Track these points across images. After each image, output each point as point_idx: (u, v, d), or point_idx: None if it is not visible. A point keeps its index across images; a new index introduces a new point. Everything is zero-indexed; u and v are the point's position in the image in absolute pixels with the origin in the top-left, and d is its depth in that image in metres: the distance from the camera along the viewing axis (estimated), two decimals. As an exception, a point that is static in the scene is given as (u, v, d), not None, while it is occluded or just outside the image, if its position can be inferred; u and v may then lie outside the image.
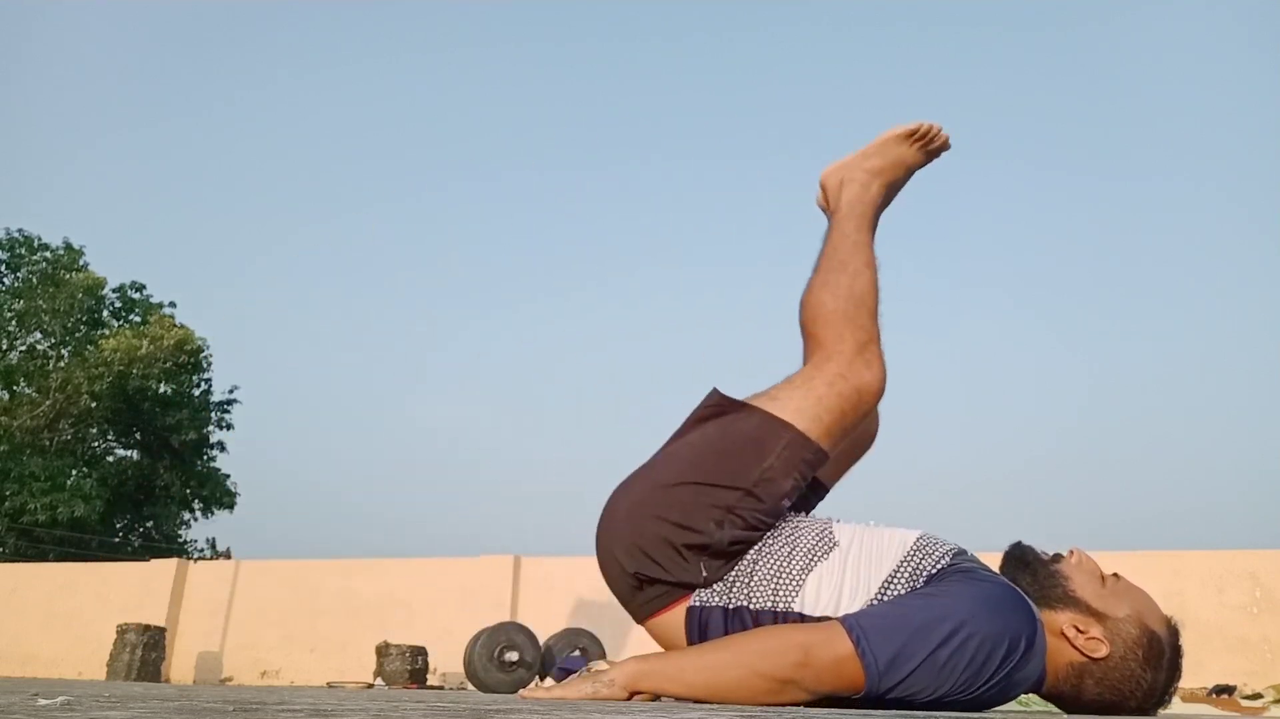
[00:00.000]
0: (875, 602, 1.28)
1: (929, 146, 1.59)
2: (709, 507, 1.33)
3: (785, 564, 1.33)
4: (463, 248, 36.09)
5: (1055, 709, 1.38)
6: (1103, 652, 1.30)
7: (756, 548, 1.35)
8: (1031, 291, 34.18)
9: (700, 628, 1.33)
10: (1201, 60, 32.87)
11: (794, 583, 1.31)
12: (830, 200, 1.58)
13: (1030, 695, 1.36)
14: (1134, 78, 32.81)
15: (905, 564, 1.31)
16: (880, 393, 1.41)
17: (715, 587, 1.33)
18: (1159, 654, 1.33)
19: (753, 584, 1.32)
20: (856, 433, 1.49)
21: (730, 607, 1.31)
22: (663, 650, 1.37)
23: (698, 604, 1.33)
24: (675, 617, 1.35)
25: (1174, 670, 1.34)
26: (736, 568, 1.33)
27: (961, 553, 1.35)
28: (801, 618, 1.29)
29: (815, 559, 1.33)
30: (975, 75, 33.84)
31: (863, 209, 1.54)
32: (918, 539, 1.35)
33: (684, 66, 35.69)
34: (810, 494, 1.53)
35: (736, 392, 1.46)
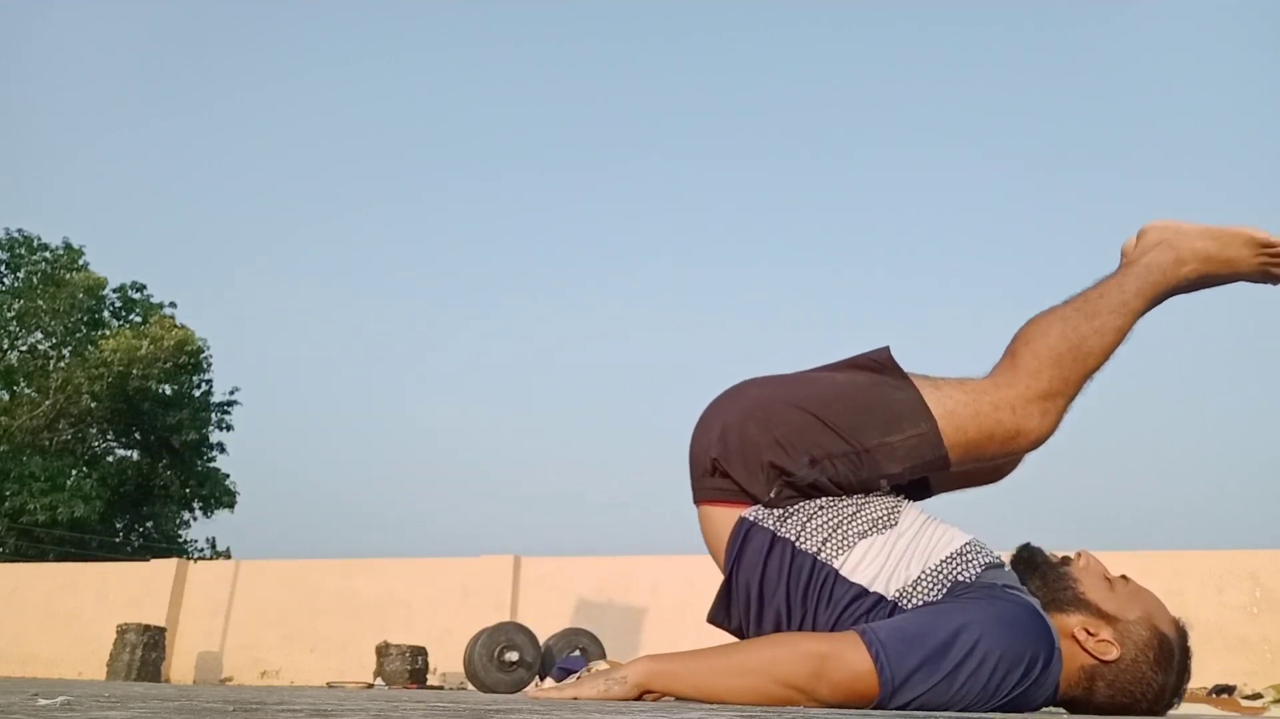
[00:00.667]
0: (905, 590, 1.27)
1: (1272, 267, 1.45)
2: (814, 443, 1.33)
3: (846, 522, 1.33)
4: (462, 248, 36.11)
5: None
6: (1114, 654, 1.30)
7: (830, 498, 1.35)
8: (1029, 290, 34.21)
9: (743, 540, 1.34)
10: (1201, 60, 32.89)
11: (846, 543, 1.31)
12: (1137, 250, 1.47)
13: None
14: (1134, 77, 32.82)
15: (945, 565, 1.30)
16: (1036, 445, 1.37)
17: (775, 510, 1.34)
18: (1169, 656, 1.32)
19: (808, 525, 1.32)
20: (990, 465, 1.45)
21: (778, 534, 1.32)
22: (673, 652, 1.36)
23: (751, 518, 1.34)
24: (726, 517, 1.37)
25: (1184, 672, 1.34)
26: (801, 504, 1.34)
27: (997, 566, 1.34)
28: (837, 577, 1.29)
29: (873, 530, 1.32)
30: (975, 75, 33.85)
31: (1158, 278, 1.42)
32: (964, 544, 1.34)
33: (683, 67, 35.70)
34: (911, 489, 1.49)
35: None
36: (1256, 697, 6.31)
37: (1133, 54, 32.11)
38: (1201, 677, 6.97)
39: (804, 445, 1.33)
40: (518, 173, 35.73)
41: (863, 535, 1.32)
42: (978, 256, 34.90)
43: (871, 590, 1.27)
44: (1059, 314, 1.40)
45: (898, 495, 1.41)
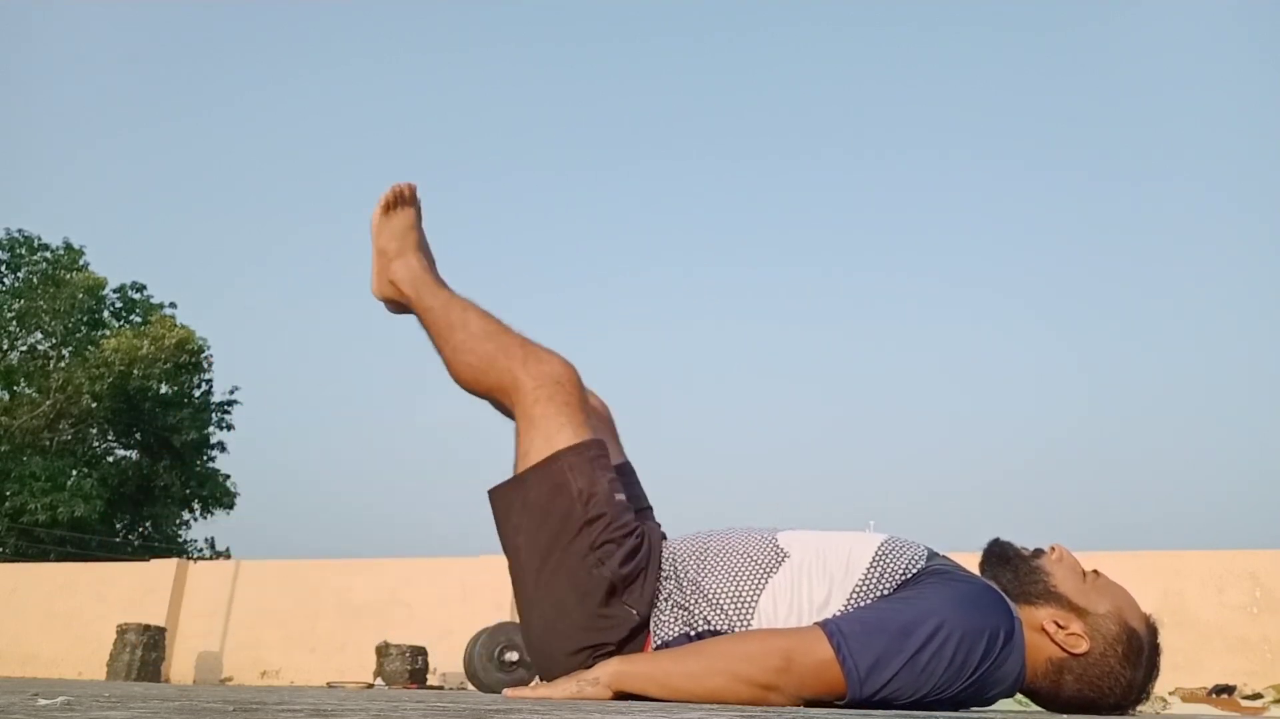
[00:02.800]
0: (846, 609, 1.27)
1: (406, 202, 1.65)
2: (579, 563, 1.33)
3: (731, 585, 1.32)
4: (462, 247, 36.05)
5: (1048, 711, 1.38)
6: (1083, 648, 1.30)
7: (676, 571, 1.35)
8: (1031, 293, 34.18)
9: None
10: (1201, 59, 32.87)
11: (746, 604, 1.30)
12: (400, 300, 1.62)
13: (1020, 696, 1.36)
14: (1133, 77, 32.80)
15: (873, 569, 1.30)
16: (570, 369, 1.44)
17: (672, 614, 1.32)
18: (1138, 651, 1.32)
19: (709, 606, 1.31)
20: (593, 412, 1.51)
21: (694, 633, 1.31)
22: (643, 653, 1.36)
23: (661, 639, 1.32)
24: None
25: (1152, 668, 1.34)
26: (673, 599, 1.33)
27: (934, 555, 1.35)
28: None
29: (765, 576, 1.32)
30: (975, 75, 33.83)
31: (422, 281, 1.59)
32: (882, 545, 1.34)
33: (683, 67, 35.69)
34: (622, 475, 1.51)
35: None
36: (1256, 697, 6.31)
37: (1132, 54, 32.09)
38: (1201, 677, 6.97)
39: (581, 574, 1.33)
40: (518, 173, 35.75)
41: (759, 588, 1.31)
42: (977, 257, 34.89)
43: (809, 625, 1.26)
44: (450, 360, 1.52)
45: (750, 529, 1.42)
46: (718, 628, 1.30)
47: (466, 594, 9.46)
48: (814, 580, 1.31)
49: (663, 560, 1.38)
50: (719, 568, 1.34)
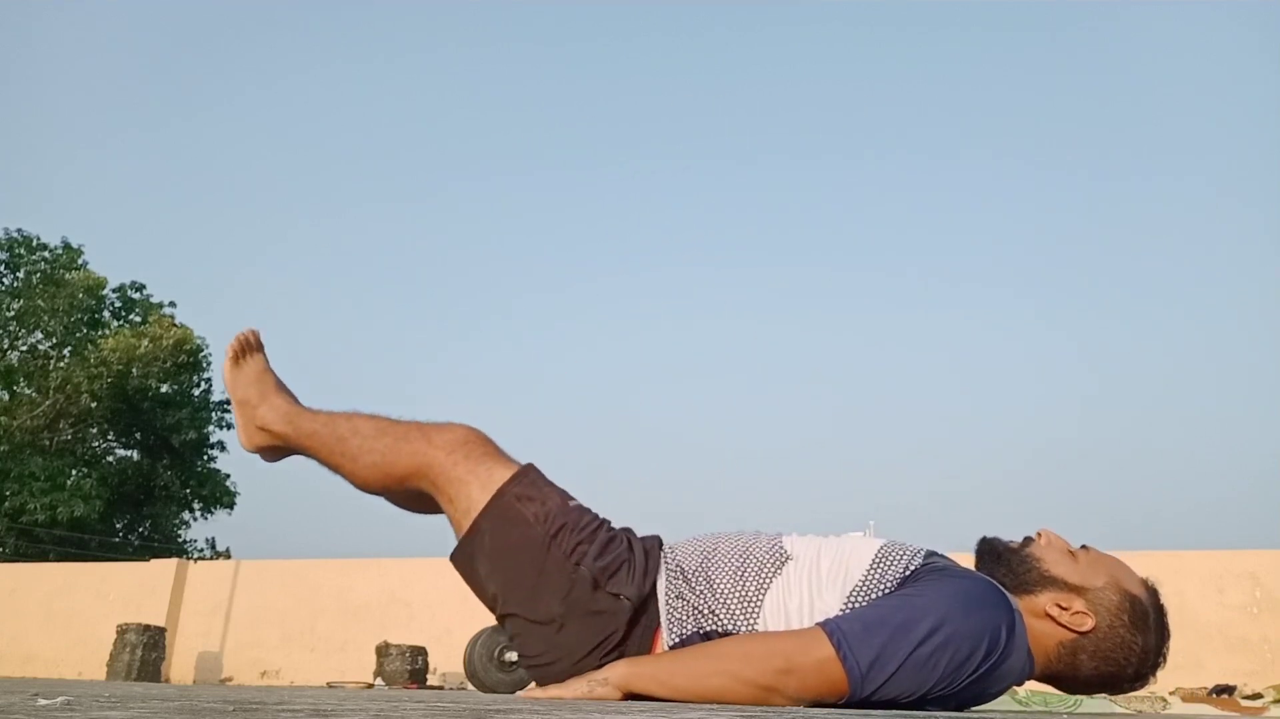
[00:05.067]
0: (846, 608, 1.28)
1: (252, 349, 1.70)
2: (561, 576, 1.35)
3: (737, 586, 1.33)
4: (462, 247, 36.11)
5: (1051, 708, 1.38)
6: (1089, 624, 1.31)
7: (701, 564, 1.36)
8: (1031, 291, 34.18)
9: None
10: (1200, 58, 32.87)
11: (752, 604, 1.31)
12: (278, 443, 1.61)
13: (1026, 693, 1.36)
14: (1133, 76, 32.79)
15: (872, 571, 1.30)
16: (476, 430, 1.48)
17: (682, 612, 1.33)
18: (1144, 616, 1.33)
19: (718, 604, 1.32)
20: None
21: (703, 630, 1.32)
22: (651, 654, 1.37)
23: (671, 642, 1.33)
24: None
25: (1162, 629, 1.34)
26: (680, 599, 1.33)
27: (932, 554, 1.35)
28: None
29: (769, 577, 1.33)
30: (975, 75, 33.82)
31: (286, 416, 1.58)
32: (881, 548, 1.34)
33: (682, 67, 35.67)
34: None
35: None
36: (1256, 697, 6.31)
37: (1133, 54, 32.09)
38: (1201, 677, 6.97)
39: (564, 580, 1.34)
40: (518, 172, 35.75)
41: (763, 589, 1.32)
42: (977, 255, 34.88)
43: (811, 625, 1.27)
44: (350, 475, 1.54)
45: (759, 533, 1.44)
46: (725, 626, 1.31)
47: (466, 594, 9.27)
48: (815, 581, 1.32)
49: (664, 556, 1.39)
50: (726, 568, 1.35)
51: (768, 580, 1.33)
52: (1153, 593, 1.36)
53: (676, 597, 1.34)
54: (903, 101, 34.08)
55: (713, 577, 1.34)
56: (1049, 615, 1.32)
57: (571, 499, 1.42)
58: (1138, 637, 1.32)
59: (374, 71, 35.48)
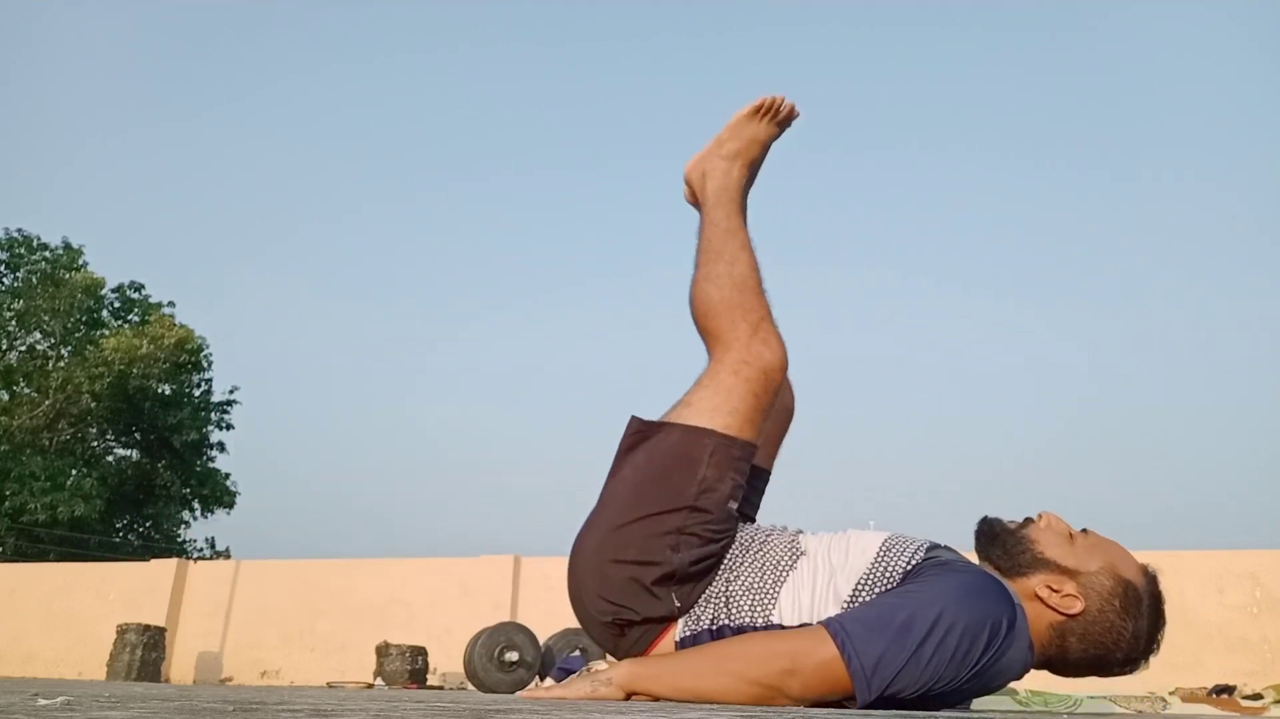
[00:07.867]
0: (849, 605, 1.28)
1: (778, 119, 1.61)
2: (661, 535, 1.33)
3: (758, 579, 1.34)
4: (462, 247, 36.11)
5: (1051, 708, 1.38)
6: (1078, 607, 1.31)
7: (727, 565, 1.36)
8: (1031, 291, 34.19)
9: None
10: (1200, 58, 32.89)
11: (769, 597, 1.32)
12: (697, 193, 1.58)
13: (1026, 693, 1.36)
14: (1133, 76, 32.82)
15: (876, 566, 1.31)
16: (784, 366, 1.42)
17: (694, 612, 1.34)
18: (1136, 601, 1.32)
19: (731, 603, 1.33)
20: (776, 410, 1.50)
21: (713, 628, 1.32)
22: (655, 655, 1.38)
23: (682, 635, 1.33)
24: (665, 647, 1.36)
25: (1156, 616, 1.34)
26: (710, 591, 1.34)
27: (935, 546, 1.36)
28: (781, 628, 1.30)
29: (786, 571, 1.34)
30: (975, 75, 33.85)
31: (729, 195, 1.54)
32: (885, 540, 1.35)
33: (682, 67, 35.70)
34: (754, 480, 1.52)
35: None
36: (1257, 697, 6.30)
37: (1132, 53, 32.11)
38: (1201, 677, 6.97)
39: (656, 544, 1.33)
40: (518, 172, 35.75)
41: (780, 582, 1.33)
42: (977, 254, 34.91)
43: (817, 621, 1.28)
44: (700, 278, 1.48)
45: (752, 501, 1.43)
46: (743, 619, 1.32)
47: (466, 594, 9.47)
48: (826, 574, 1.33)
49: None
50: (750, 563, 1.36)
51: (784, 576, 1.34)
52: (1151, 579, 1.36)
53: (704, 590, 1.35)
54: (902, 101, 34.11)
55: (741, 571, 1.35)
56: (1039, 598, 1.32)
57: (734, 502, 1.38)
58: (1128, 622, 1.31)
59: (374, 72, 35.51)
